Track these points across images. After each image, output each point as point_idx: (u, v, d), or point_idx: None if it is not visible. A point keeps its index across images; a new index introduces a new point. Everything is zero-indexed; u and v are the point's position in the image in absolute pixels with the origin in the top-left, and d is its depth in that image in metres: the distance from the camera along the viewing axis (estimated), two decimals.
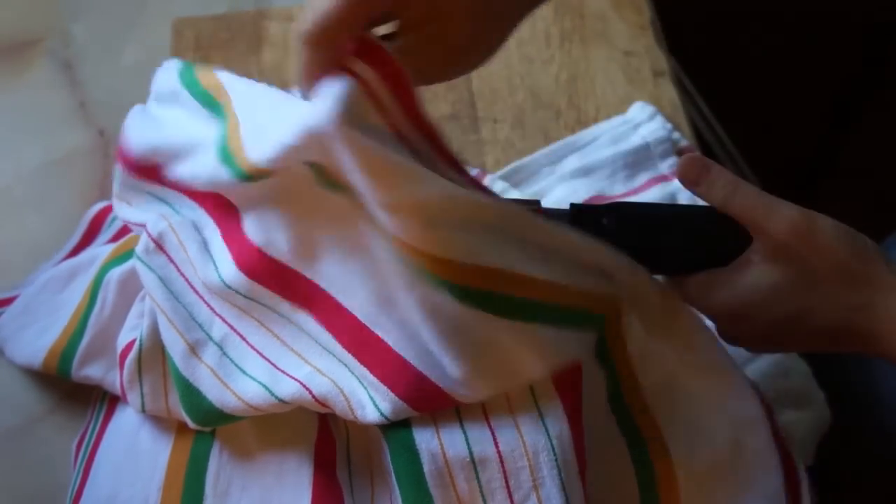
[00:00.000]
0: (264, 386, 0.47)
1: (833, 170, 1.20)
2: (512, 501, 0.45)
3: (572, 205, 0.52)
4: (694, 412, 0.51)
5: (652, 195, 0.65)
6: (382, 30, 0.46)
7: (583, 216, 0.51)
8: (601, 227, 0.51)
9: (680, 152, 0.69)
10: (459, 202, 0.43)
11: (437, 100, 0.75)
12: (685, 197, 0.66)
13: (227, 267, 0.48)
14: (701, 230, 0.50)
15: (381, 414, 0.46)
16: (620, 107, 0.74)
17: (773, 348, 0.54)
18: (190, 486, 0.50)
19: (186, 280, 0.50)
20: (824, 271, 0.47)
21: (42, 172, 0.71)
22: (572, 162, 0.68)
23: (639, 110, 0.73)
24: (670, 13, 0.85)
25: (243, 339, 0.49)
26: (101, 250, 0.59)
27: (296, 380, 0.47)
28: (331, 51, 0.42)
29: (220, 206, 0.50)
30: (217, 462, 0.50)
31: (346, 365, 0.47)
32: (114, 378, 0.54)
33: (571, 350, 0.47)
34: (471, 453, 0.45)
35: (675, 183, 0.66)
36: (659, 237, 0.51)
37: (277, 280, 0.48)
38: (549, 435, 0.45)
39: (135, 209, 0.53)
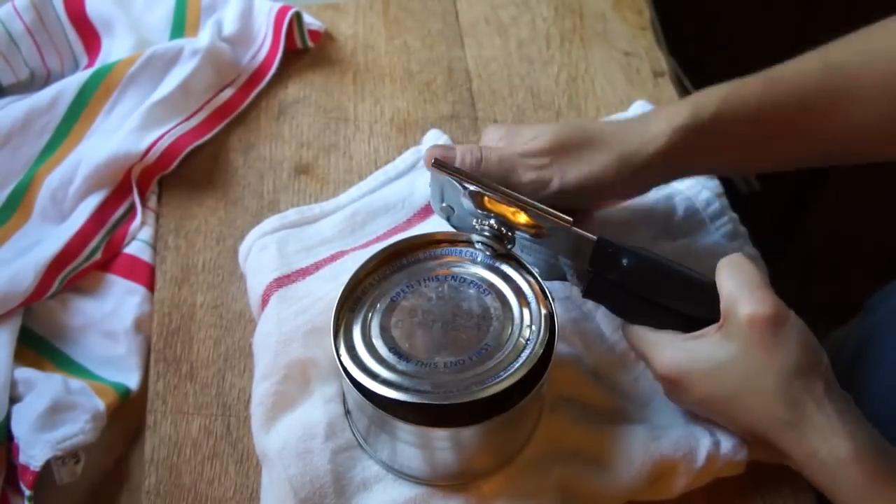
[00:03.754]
0: None
1: (833, 170, 1.20)
2: None
3: (600, 237, 0.53)
4: None
5: (650, 197, 0.65)
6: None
7: (606, 251, 0.53)
8: (619, 265, 0.53)
9: None
10: None
11: (437, 100, 0.76)
12: (681, 198, 0.66)
13: None
14: (703, 302, 0.51)
15: None
16: (620, 107, 0.75)
17: (705, 416, 0.55)
18: None
19: None
20: (769, 369, 0.48)
21: None
22: None
23: (639, 110, 0.73)
24: (670, 13, 0.85)
25: None
26: None
27: None
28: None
29: None
30: None
31: None
32: None
33: None
34: None
35: (673, 186, 0.67)
36: (664, 295, 0.53)
37: None
38: None
39: None
